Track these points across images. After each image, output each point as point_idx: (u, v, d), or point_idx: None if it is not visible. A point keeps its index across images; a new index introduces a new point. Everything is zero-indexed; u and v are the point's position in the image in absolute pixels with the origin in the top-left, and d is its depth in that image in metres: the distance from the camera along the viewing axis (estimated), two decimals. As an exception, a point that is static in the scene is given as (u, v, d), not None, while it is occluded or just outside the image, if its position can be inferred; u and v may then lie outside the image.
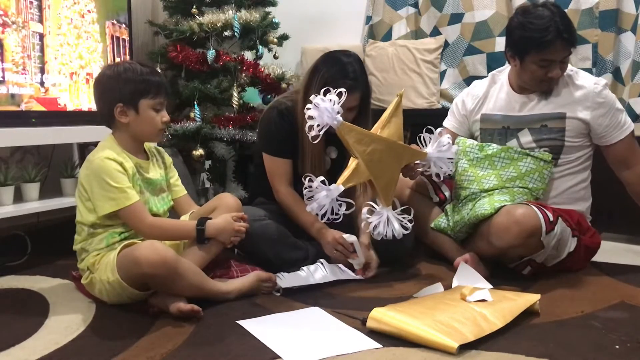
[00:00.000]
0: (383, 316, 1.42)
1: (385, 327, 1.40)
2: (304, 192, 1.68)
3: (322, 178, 1.66)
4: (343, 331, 1.45)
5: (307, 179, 1.66)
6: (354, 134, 1.71)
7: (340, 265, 1.92)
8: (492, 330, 1.38)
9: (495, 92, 2.09)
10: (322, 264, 1.91)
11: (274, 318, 1.55)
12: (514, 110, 2.02)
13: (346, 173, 1.72)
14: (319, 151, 1.96)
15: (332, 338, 1.40)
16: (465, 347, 1.31)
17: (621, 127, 1.96)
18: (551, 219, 1.78)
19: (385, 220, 1.75)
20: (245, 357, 1.30)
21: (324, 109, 1.64)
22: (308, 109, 1.67)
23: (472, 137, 2.15)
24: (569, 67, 2.00)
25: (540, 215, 1.76)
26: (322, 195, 1.66)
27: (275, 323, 1.51)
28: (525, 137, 1.99)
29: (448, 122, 2.20)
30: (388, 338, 1.38)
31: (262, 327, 1.47)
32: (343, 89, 1.67)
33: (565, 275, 1.89)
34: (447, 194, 2.17)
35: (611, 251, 2.28)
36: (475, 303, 1.52)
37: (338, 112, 1.66)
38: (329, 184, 1.65)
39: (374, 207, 1.77)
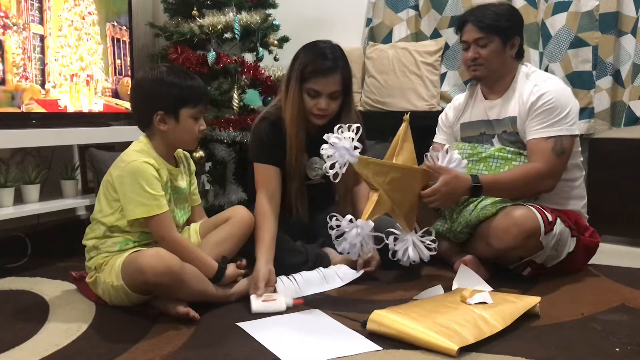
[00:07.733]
0: (383, 318, 1.42)
1: (386, 330, 1.40)
2: (331, 232, 1.65)
3: (350, 217, 1.63)
4: (343, 333, 1.45)
5: (334, 218, 1.62)
6: (372, 167, 1.68)
7: (337, 272, 1.91)
8: (493, 333, 1.38)
9: (472, 101, 2.13)
10: (320, 271, 1.90)
11: (274, 320, 1.55)
12: (485, 115, 2.05)
13: (369, 207, 1.68)
14: (299, 158, 1.93)
15: (332, 340, 1.40)
16: (465, 350, 1.31)
17: (543, 128, 1.86)
18: (550, 219, 1.78)
19: (412, 246, 1.74)
20: (245, 359, 1.30)
21: (342, 148, 1.60)
22: (323, 148, 1.62)
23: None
24: (528, 66, 2.02)
25: (539, 216, 1.77)
26: (353, 234, 1.63)
27: (275, 325, 1.51)
28: (499, 146, 1.99)
29: (438, 138, 2.22)
30: (388, 340, 1.38)
31: (262, 330, 1.47)
32: (358, 125, 1.62)
33: (566, 277, 1.89)
34: None
35: (611, 253, 2.28)
36: (476, 305, 1.52)
37: (355, 148, 1.62)
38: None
39: (397, 234, 1.75)
